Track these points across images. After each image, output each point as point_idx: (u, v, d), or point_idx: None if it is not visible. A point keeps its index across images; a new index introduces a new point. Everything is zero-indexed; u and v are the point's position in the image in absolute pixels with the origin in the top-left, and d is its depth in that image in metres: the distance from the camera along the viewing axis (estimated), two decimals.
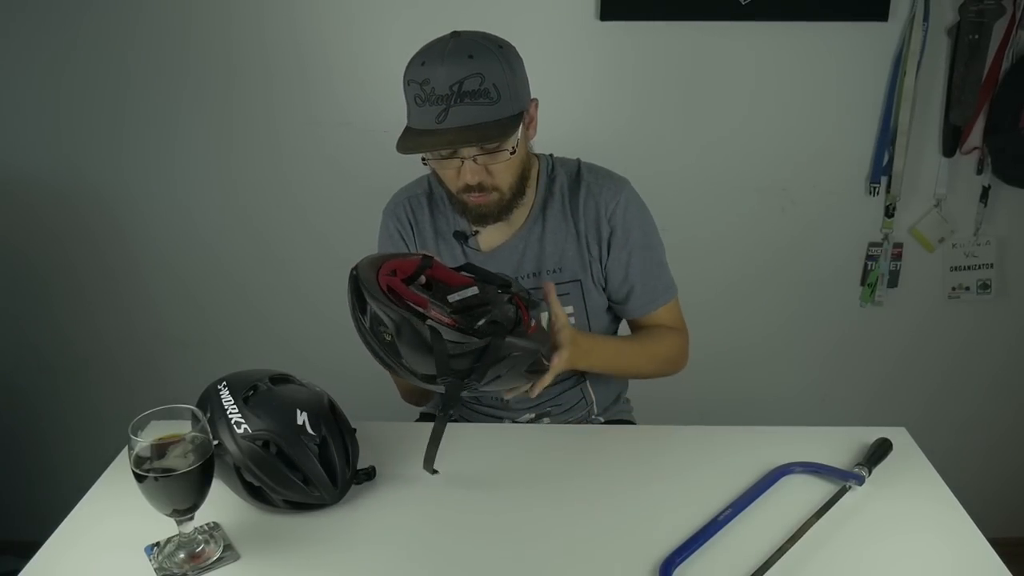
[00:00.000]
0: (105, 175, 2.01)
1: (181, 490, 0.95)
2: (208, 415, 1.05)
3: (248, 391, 1.09)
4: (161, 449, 0.96)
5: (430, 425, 1.15)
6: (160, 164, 2.00)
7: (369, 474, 1.15)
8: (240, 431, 1.04)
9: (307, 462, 1.06)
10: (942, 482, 1.14)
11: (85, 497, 1.13)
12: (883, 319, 2.11)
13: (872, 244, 2.04)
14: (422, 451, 1.21)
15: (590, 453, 1.23)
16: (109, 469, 1.18)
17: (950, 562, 1.00)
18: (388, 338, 1.01)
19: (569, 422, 1.46)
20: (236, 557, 1.01)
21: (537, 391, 1.14)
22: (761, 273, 2.08)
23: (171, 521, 0.98)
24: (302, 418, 1.08)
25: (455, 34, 1.19)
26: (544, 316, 1.13)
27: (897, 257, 2.04)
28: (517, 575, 0.99)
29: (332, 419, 1.11)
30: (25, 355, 2.18)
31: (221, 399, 1.08)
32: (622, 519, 1.08)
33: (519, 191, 1.29)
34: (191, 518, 0.99)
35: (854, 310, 2.11)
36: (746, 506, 1.08)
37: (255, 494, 1.06)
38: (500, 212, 1.28)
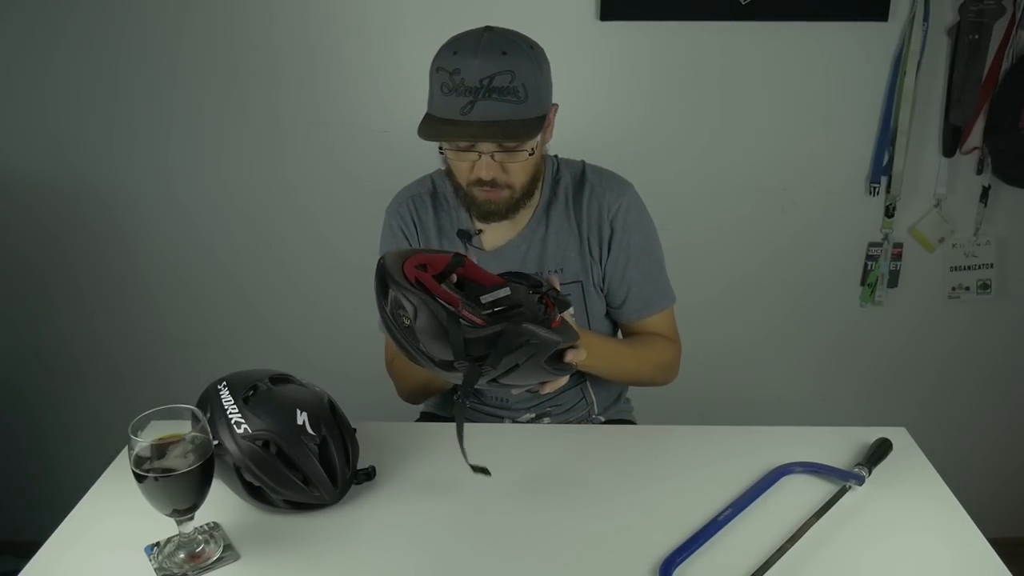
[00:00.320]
0: (105, 174, 2.01)
1: (181, 490, 0.95)
2: (208, 415, 1.05)
3: (248, 391, 1.09)
4: (161, 449, 0.96)
5: (430, 425, 1.16)
6: (160, 164, 2.00)
7: (369, 474, 1.14)
8: (240, 431, 1.04)
9: (307, 462, 1.06)
10: (942, 482, 1.14)
11: (85, 497, 1.13)
12: (883, 319, 2.11)
13: (872, 244, 2.04)
14: (422, 451, 1.22)
15: (590, 453, 1.23)
16: (109, 469, 1.18)
17: (950, 562, 1.00)
18: (407, 323, 1.00)
19: (569, 422, 1.46)
20: (236, 557, 1.01)
21: (553, 388, 1.11)
22: (761, 273, 2.08)
23: (171, 521, 0.98)
24: (302, 418, 1.08)
25: (488, 28, 1.19)
26: (570, 313, 1.12)
27: (897, 257, 2.04)
28: (517, 575, 0.99)
29: (332, 419, 1.11)
30: (25, 355, 2.18)
31: (221, 399, 1.08)
32: (622, 519, 1.08)
33: (529, 192, 1.29)
34: (191, 518, 0.99)
35: (854, 310, 2.11)
36: (746, 506, 1.08)
37: (255, 494, 1.06)
38: (507, 210, 1.28)
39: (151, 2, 1.86)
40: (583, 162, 1.39)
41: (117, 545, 1.03)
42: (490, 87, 1.13)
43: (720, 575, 0.97)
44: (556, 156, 1.40)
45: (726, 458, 1.19)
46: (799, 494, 1.12)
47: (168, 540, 1.02)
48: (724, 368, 2.12)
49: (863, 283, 2.08)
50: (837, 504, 1.09)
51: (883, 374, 2.17)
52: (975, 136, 1.92)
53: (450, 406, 1.52)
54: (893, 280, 2.06)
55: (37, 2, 1.85)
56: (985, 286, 2.06)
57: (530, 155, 1.22)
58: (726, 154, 1.97)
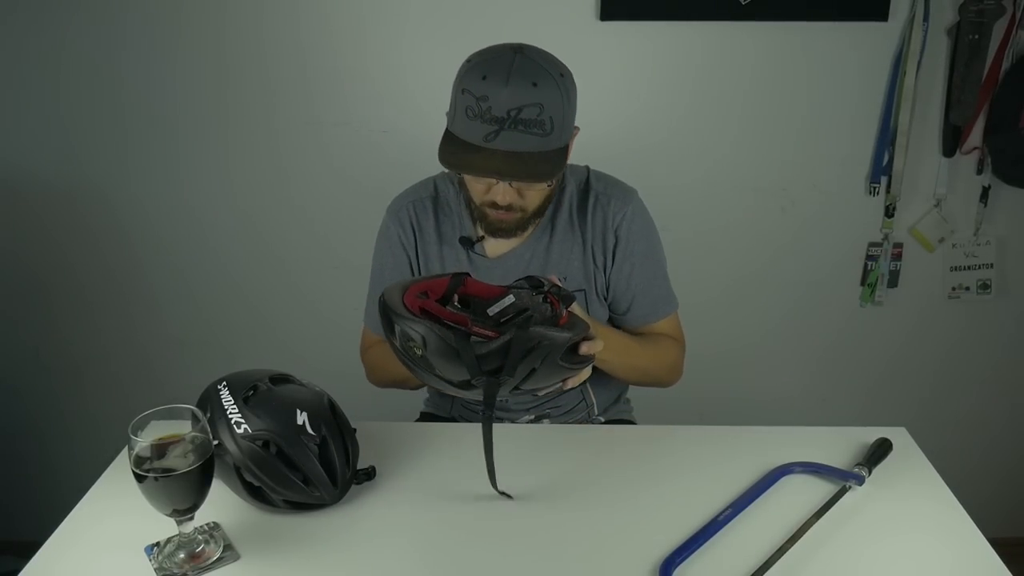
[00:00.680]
0: (103, 175, 2.01)
1: (181, 490, 0.95)
2: (208, 415, 1.05)
3: (248, 391, 1.09)
4: (161, 449, 0.96)
5: (430, 425, 1.16)
6: (159, 164, 2.00)
7: (369, 474, 1.15)
8: (240, 431, 1.04)
9: (307, 462, 1.06)
10: (942, 482, 1.14)
11: (85, 497, 1.13)
12: (883, 319, 2.11)
13: (872, 244, 2.04)
14: (422, 451, 1.22)
15: (590, 453, 1.23)
16: (109, 469, 1.18)
17: (950, 562, 1.00)
18: (419, 352, 1.01)
19: (569, 423, 1.46)
20: (236, 557, 1.01)
21: (577, 382, 1.12)
22: (761, 273, 2.08)
23: (171, 521, 0.98)
24: (302, 418, 1.08)
25: (519, 50, 1.15)
26: (577, 306, 1.12)
27: (897, 257, 2.04)
28: (517, 574, 0.99)
29: (332, 419, 1.11)
30: (25, 355, 2.18)
31: (221, 399, 1.08)
32: (622, 519, 1.08)
33: (541, 211, 1.30)
34: (191, 518, 0.99)
35: (854, 310, 2.11)
36: (746, 506, 1.08)
37: (255, 494, 1.06)
38: (517, 228, 1.29)
39: (150, 4, 1.85)
40: (587, 168, 1.39)
41: (117, 545, 1.03)
42: (517, 118, 1.11)
43: (720, 575, 0.97)
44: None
45: (726, 458, 1.19)
46: (799, 494, 1.12)
47: (168, 540, 1.02)
48: (724, 368, 2.12)
49: (863, 283, 2.08)
50: (837, 504, 1.09)
51: (883, 374, 2.17)
52: (975, 136, 1.92)
53: (449, 406, 1.52)
54: (893, 280, 2.06)
55: (40, 6, 1.85)
56: (985, 286, 2.06)
57: (549, 185, 1.22)
58: (726, 154, 1.97)
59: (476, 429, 1.30)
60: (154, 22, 1.87)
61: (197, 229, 2.06)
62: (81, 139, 1.97)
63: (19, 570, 1.00)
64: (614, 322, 1.43)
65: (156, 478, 0.94)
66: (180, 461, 0.95)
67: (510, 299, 1.07)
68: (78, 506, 1.12)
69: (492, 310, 1.06)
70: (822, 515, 1.06)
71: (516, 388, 1.03)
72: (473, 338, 0.99)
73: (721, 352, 2.08)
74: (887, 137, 1.92)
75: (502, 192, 1.20)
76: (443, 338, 0.98)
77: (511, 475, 1.16)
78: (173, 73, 1.92)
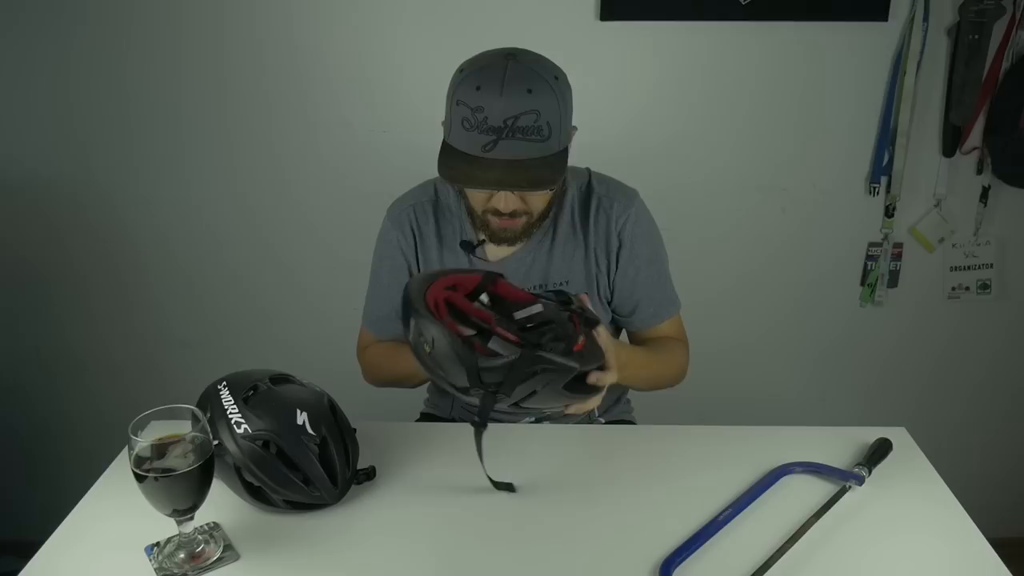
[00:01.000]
0: (106, 175, 2.01)
1: (181, 490, 0.96)
2: (208, 415, 1.05)
3: (248, 391, 1.09)
4: (161, 449, 0.96)
5: (430, 425, 1.16)
6: (160, 164, 2.00)
7: (369, 474, 1.15)
8: (240, 431, 1.04)
9: (307, 462, 1.06)
10: (942, 482, 1.14)
11: (85, 497, 1.13)
12: (883, 319, 2.11)
13: (872, 244, 2.04)
14: (422, 451, 1.22)
15: (590, 453, 1.23)
16: (109, 469, 1.18)
17: (950, 562, 1.00)
18: (428, 349, 1.01)
19: (570, 423, 1.45)
20: (236, 557, 1.01)
21: (581, 410, 1.10)
22: (761, 273, 2.08)
23: (171, 521, 0.98)
24: (302, 418, 1.08)
25: (510, 56, 1.14)
26: (601, 330, 1.10)
27: (897, 257, 2.04)
28: (517, 574, 0.99)
29: (332, 419, 1.11)
30: (26, 355, 2.18)
31: (221, 399, 1.08)
32: (622, 519, 1.08)
33: (546, 214, 1.30)
34: (191, 518, 0.99)
35: (854, 310, 2.11)
36: (746, 506, 1.08)
37: (255, 494, 1.06)
38: (522, 235, 1.29)
39: (153, 7, 1.85)
40: (588, 171, 1.38)
41: (117, 545, 1.03)
42: (514, 127, 1.10)
43: (720, 575, 0.97)
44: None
45: (726, 458, 1.20)
46: (799, 494, 1.12)
47: (168, 540, 1.03)
48: (724, 368, 2.12)
49: (863, 283, 2.08)
50: (837, 504, 1.09)
51: (883, 374, 2.17)
52: (975, 136, 1.92)
53: (449, 407, 1.52)
54: (893, 280, 2.06)
55: (45, 9, 1.85)
56: (985, 286, 2.06)
57: (551, 189, 1.22)
58: (726, 154, 1.97)
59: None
60: (156, 24, 1.87)
61: (198, 229, 2.06)
62: (83, 140, 1.97)
63: (19, 570, 1.00)
64: (618, 324, 1.43)
65: (156, 478, 0.94)
66: (180, 461, 0.95)
67: (538, 307, 1.07)
68: (78, 506, 1.12)
69: (519, 315, 1.06)
70: (822, 515, 1.06)
71: (516, 405, 1.03)
72: (490, 344, 0.99)
73: (721, 352, 2.08)
74: (887, 137, 1.92)
75: (504, 200, 1.20)
76: (452, 344, 0.99)
77: (512, 475, 1.16)
78: (175, 75, 1.91)
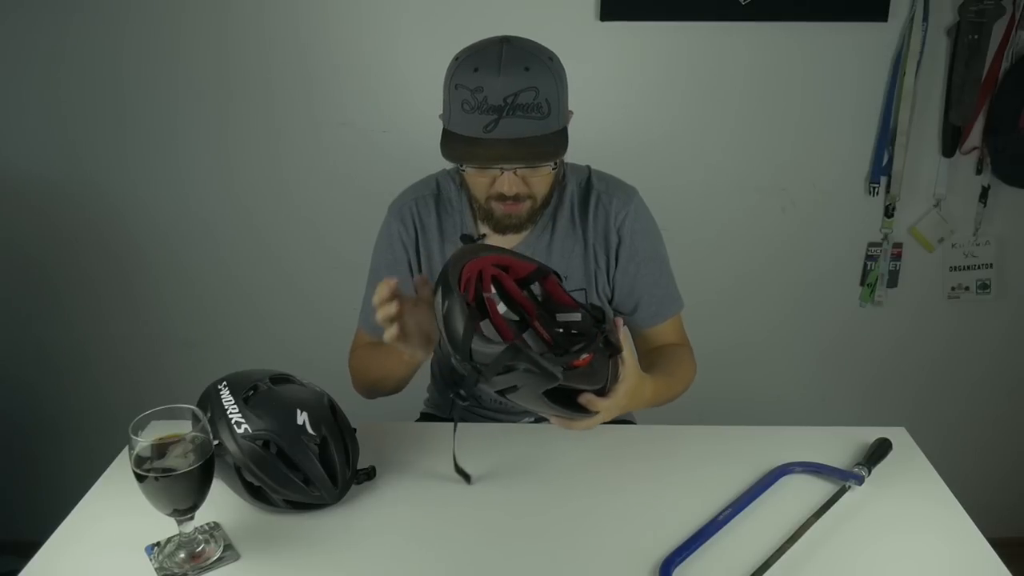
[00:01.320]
0: (109, 174, 2.01)
1: (181, 490, 0.96)
2: (208, 415, 1.05)
3: (248, 391, 1.09)
4: (161, 449, 0.96)
5: (430, 425, 1.16)
6: (160, 164, 2.00)
7: (369, 474, 1.15)
8: (240, 431, 1.05)
9: (307, 462, 1.06)
10: (942, 482, 1.14)
11: (85, 497, 1.13)
12: (882, 319, 2.11)
13: (872, 244, 2.04)
14: (422, 451, 1.22)
15: (590, 453, 1.23)
16: (109, 469, 1.18)
17: (949, 562, 1.00)
18: (442, 311, 1.03)
19: None
20: (236, 557, 1.01)
21: (568, 426, 1.08)
22: (761, 273, 2.08)
23: (171, 521, 0.98)
24: (302, 418, 1.08)
25: (505, 40, 1.16)
26: (627, 363, 1.07)
27: (897, 257, 2.05)
28: (517, 574, 0.99)
29: (332, 419, 1.11)
30: (26, 356, 2.18)
31: (221, 399, 1.08)
32: (622, 519, 1.08)
33: (547, 201, 1.30)
34: (191, 518, 0.99)
35: (854, 310, 2.11)
36: (746, 506, 1.08)
37: (255, 494, 1.06)
38: (526, 221, 1.28)
39: (151, 5, 1.85)
40: (589, 168, 1.39)
41: (117, 545, 1.03)
42: (514, 104, 1.12)
43: (720, 575, 0.98)
44: (563, 160, 1.39)
45: (726, 458, 1.20)
46: (799, 494, 1.12)
47: (168, 540, 1.03)
48: (724, 368, 2.11)
49: (863, 283, 2.08)
50: (837, 504, 1.09)
51: (882, 374, 2.17)
52: (975, 136, 1.92)
53: (449, 407, 1.52)
54: (893, 280, 2.07)
55: (41, 5, 1.85)
56: (984, 286, 2.06)
57: (553, 168, 1.22)
58: (726, 154, 1.97)
59: (476, 429, 1.31)
60: (155, 22, 1.87)
61: (198, 230, 2.06)
62: (85, 139, 1.97)
63: (19, 570, 1.00)
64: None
65: (156, 478, 0.94)
66: (180, 461, 0.95)
67: (577, 316, 1.07)
68: (78, 506, 1.12)
69: (561, 317, 1.07)
70: (822, 515, 1.06)
71: (501, 394, 1.02)
72: (524, 335, 1.00)
73: (721, 352, 2.08)
74: (887, 137, 1.93)
75: (508, 182, 1.20)
76: (460, 311, 0.99)
77: (511, 474, 1.16)
78: (174, 74, 1.92)
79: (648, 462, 1.20)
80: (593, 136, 1.89)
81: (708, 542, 1.02)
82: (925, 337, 2.13)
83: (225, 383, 1.11)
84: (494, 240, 1.34)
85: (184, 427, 0.98)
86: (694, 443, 1.25)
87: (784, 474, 1.15)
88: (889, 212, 1.99)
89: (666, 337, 1.40)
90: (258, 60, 1.91)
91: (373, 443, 1.21)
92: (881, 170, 1.96)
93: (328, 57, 1.90)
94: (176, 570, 0.99)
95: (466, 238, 1.34)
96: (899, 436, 1.23)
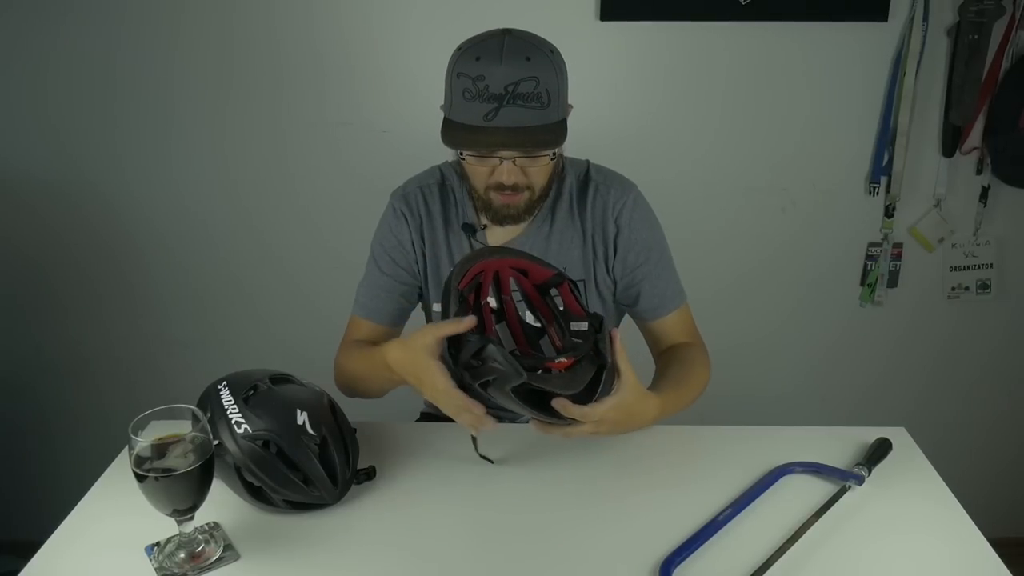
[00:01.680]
0: (106, 174, 2.01)
1: (181, 490, 0.96)
2: (208, 415, 1.05)
3: (248, 391, 1.09)
4: (161, 449, 0.96)
5: (430, 425, 1.16)
6: (162, 163, 2.00)
7: (369, 474, 1.15)
8: (240, 431, 1.04)
9: (307, 462, 1.06)
10: (942, 482, 1.14)
11: (85, 497, 1.13)
12: (883, 319, 2.11)
13: (872, 244, 2.04)
14: (422, 451, 1.22)
15: (590, 453, 1.23)
16: (109, 469, 1.18)
17: (949, 562, 1.00)
18: (449, 287, 1.08)
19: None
20: (236, 557, 1.01)
21: (545, 430, 1.07)
22: (761, 273, 2.08)
23: (171, 521, 0.98)
24: (302, 418, 1.08)
25: (507, 31, 1.18)
26: (626, 378, 1.06)
27: (897, 257, 2.05)
28: (517, 574, 0.99)
29: (332, 419, 1.11)
30: (25, 356, 2.18)
31: (221, 399, 1.08)
32: (622, 519, 1.08)
33: (546, 193, 1.30)
34: (191, 518, 0.99)
35: (854, 310, 2.11)
36: (746, 506, 1.08)
37: (255, 494, 1.06)
38: (524, 212, 1.28)
39: (149, 2, 1.85)
40: (587, 161, 1.39)
41: (117, 545, 1.03)
42: (515, 93, 1.13)
43: (720, 575, 0.97)
44: (562, 153, 1.39)
45: (726, 458, 1.20)
46: (799, 494, 1.12)
47: (168, 540, 1.03)
48: (724, 368, 2.09)
49: (863, 283, 2.08)
50: (837, 504, 1.09)
51: (882, 374, 2.17)
52: (975, 136, 1.93)
53: None
54: (893, 280, 2.07)
55: (38, 2, 1.85)
56: (985, 286, 2.06)
57: (552, 159, 1.22)
58: (726, 154, 1.98)
59: None
60: (152, 20, 1.87)
61: (198, 230, 2.06)
62: (84, 138, 1.97)
63: (19, 570, 1.00)
64: (620, 314, 1.43)
65: (156, 478, 0.94)
66: (180, 461, 0.95)
67: (586, 325, 1.08)
68: (78, 506, 1.12)
69: (575, 327, 1.08)
70: (822, 515, 1.06)
71: (483, 387, 1.02)
72: (541, 342, 1.06)
73: (721, 352, 2.06)
74: (887, 137, 1.93)
75: (507, 172, 1.20)
76: (454, 300, 1.05)
77: (512, 474, 1.16)
78: (171, 72, 1.92)
79: (648, 462, 1.20)
80: (593, 135, 1.89)
81: (708, 542, 1.02)
82: (925, 337, 2.13)
83: (225, 383, 1.11)
84: (493, 231, 1.35)
85: (184, 427, 0.98)
86: (694, 443, 1.25)
87: (784, 474, 1.15)
88: (889, 212, 1.99)
89: (674, 332, 1.38)
90: (258, 58, 1.91)
91: (373, 443, 1.21)
92: (881, 170, 1.96)
93: (328, 56, 1.90)
94: (176, 570, 0.99)
95: (467, 227, 1.35)
96: (899, 436, 1.23)
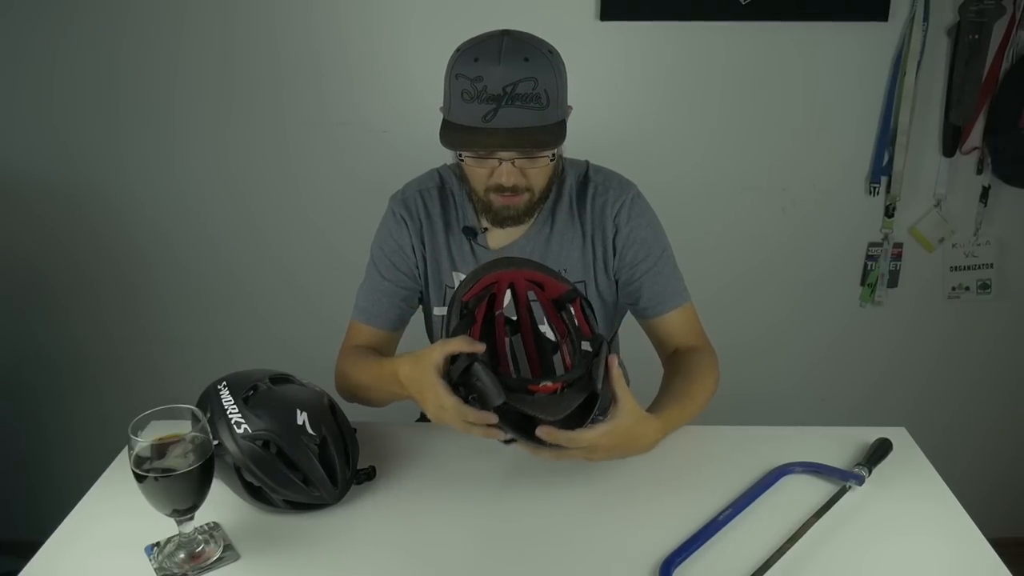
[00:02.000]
0: (107, 174, 2.01)
1: (181, 490, 0.96)
2: (208, 415, 1.05)
3: (248, 391, 1.09)
4: (161, 449, 0.96)
5: (430, 425, 1.15)
6: (162, 163, 2.00)
7: (369, 474, 1.15)
8: (240, 431, 1.05)
9: (307, 462, 1.06)
10: (942, 482, 1.14)
11: (85, 497, 1.13)
12: (883, 319, 2.11)
13: (872, 244, 2.04)
14: (422, 451, 1.22)
15: None
16: (109, 469, 1.18)
17: (949, 562, 1.00)
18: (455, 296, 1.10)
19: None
20: (236, 557, 1.01)
21: (533, 451, 1.05)
22: (761, 273, 2.08)
23: (171, 521, 0.98)
24: (302, 418, 1.08)
25: (506, 32, 1.18)
26: (623, 403, 1.06)
27: (897, 257, 2.05)
28: (517, 574, 0.99)
29: (332, 419, 1.11)
30: (25, 356, 2.18)
31: (221, 399, 1.08)
32: (622, 519, 1.08)
33: (545, 195, 1.29)
34: (191, 518, 0.99)
35: (854, 310, 2.11)
36: (746, 506, 1.08)
37: (255, 494, 1.06)
38: (524, 214, 1.28)
39: (152, 3, 1.86)
40: (587, 162, 1.39)
41: (117, 545, 1.03)
42: (513, 94, 1.12)
43: (720, 575, 0.97)
44: (561, 154, 1.39)
45: (726, 458, 1.20)
46: (799, 494, 1.12)
47: (168, 540, 1.03)
48: (724, 368, 2.09)
49: (863, 283, 2.08)
50: (837, 504, 1.09)
51: (883, 374, 2.17)
52: (975, 136, 1.92)
53: None
54: (893, 280, 2.06)
55: (40, 2, 1.85)
56: (985, 286, 2.06)
57: (551, 160, 1.22)
58: (726, 154, 1.97)
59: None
60: (155, 21, 1.87)
61: (198, 230, 2.06)
62: (84, 138, 1.97)
63: (19, 570, 1.00)
64: (617, 316, 1.43)
65: (156, 478, 0.94)
66: (180, 461, 0.95)
67: (588, 345, 1.08)
68: (78, 506, 1.12)
69: (584, 345, 1.08)
70: (822, 515, 1.06)
71: (472, 397, 1.03)
72: (554, 358, 1.09)
73: (721, 352, 2.05)
74: (887, 137, 1.92)
75: (506, 173, 1.20)
76: (454, 307, 1.08)
77: (511, 474, 1.16)
78: (173, 72, 1.92)
79: (648, 462, 1.20)
80: (593, 135, 1.89)
81: (708, 542, 1.02)
82: (925, 337, 2.13)
83: (225, 383, 1.11)
84: (494, 233, 1.34)
85: (184, 427, 0.98)
86: (694, 443, 1.25)
87: (784, 474, 1.15)
88: (889, 212, 1.99)
89: (679, 333, 1.36)
90: (258, 59, 1.91)
91: (373, 443, 1.21)
92: (881, 170, 1.96)
93: (328, 56, 1.91)
94: (176, 570, 0.99)
95: (468, 230, 1.35)
96: (899, 436, 1.23)
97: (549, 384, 1.01)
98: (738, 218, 2.03)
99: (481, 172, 1.23)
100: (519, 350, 1.17)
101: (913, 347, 2.14)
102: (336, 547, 1.03)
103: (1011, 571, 0.97)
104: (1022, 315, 2.10)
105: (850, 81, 1.90)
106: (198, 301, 2.13)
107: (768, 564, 0.97)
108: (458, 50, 1.19)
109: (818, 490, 1.12)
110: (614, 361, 1.04)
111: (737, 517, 1.06)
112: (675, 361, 1.33)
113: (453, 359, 1.04)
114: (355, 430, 1.16)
